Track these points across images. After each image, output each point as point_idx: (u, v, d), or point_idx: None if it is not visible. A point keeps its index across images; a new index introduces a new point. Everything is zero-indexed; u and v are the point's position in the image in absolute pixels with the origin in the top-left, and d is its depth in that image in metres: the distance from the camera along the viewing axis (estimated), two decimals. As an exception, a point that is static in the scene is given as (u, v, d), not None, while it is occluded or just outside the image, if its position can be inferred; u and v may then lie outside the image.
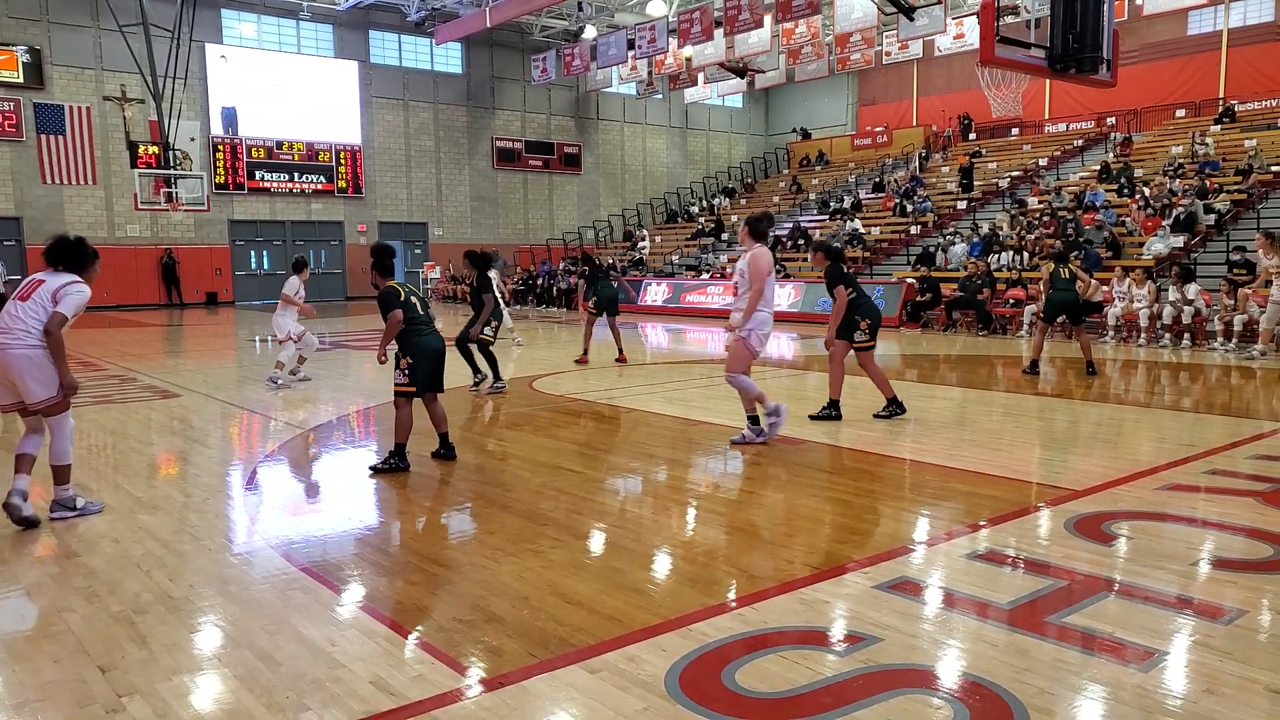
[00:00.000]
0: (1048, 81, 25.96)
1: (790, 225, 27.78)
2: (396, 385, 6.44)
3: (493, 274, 10.39)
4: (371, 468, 6.46)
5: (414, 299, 6.54)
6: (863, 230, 24.53)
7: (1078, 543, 4.70)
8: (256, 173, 29.27)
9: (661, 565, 4.60)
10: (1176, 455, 6.71)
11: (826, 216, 27.85)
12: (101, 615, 3.90)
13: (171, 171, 24.21)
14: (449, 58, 32.93)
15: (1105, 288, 15.31)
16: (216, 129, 28.52)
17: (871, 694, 3.10)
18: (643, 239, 30.98)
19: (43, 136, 25.96)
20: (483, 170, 33.94)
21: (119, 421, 8.64)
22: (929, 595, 4.07)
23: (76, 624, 3.81)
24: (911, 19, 22.68)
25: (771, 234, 7.00)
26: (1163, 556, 4.49)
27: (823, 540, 4.94)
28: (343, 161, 30.73)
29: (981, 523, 5.09)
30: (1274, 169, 19.68)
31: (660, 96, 36.09)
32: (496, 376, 10.09)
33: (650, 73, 30.51)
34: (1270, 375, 11.11)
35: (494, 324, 10.19)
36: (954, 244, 20.84)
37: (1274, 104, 24.71)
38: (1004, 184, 25.40)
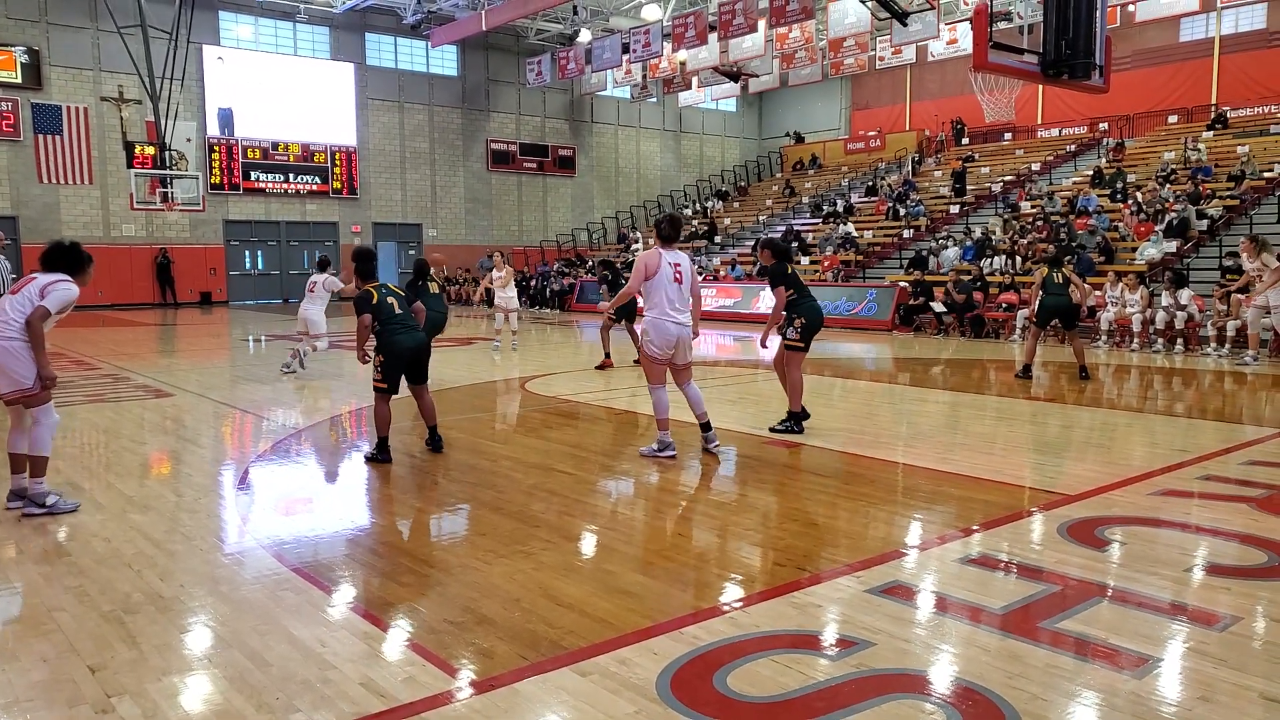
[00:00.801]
0: (1040, 87, 26.08)
1: (783, 228, 27.82)
2: (373, 381, 6.80)
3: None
4: (365, 456, 6.86)
5: (390, 299, 6.69)
6: (855, 234, 24.57)
7: (1071, 548, 4.70)
8: (252, 173, 29.21)
9: (653, 568, 4.59)
10: (1170, 460, 6.72)
11: (819, 220, 27.88)
12: (92, 615, 3.88)
13: (167, 172, 24.14)
14: (444, 60, 32.91)
15: (1097, 293, 15.36)
16: (213, 130, 28.46)
17: (863, 699, 3.09)
18: (636, 241, 30.98)
19: (40, 136, 25.88)
20: (477, 172, 33.93)
21: (112, 420, 8.60)
22: (921, 600, 4.07)
23: (67, 623, 3.78)
24: (905, 24, 22.76)
25: (677, 233, 6.72)
26: (1156, 562, 4.49)
27: (815, 544, 4.93)
28: (338, 163, 30.69)
29: (974, 527, 5.09)
30: (1266, 175, 19.76)
31: (654, 100, 36.11)
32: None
33: (644, 76, 30.55)
34: (1263, 381, 11.14)
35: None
36: (946, 248, 20.88)
37: (1266, 110, 24.82)
38: (996, 188, 25.46)
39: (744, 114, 41.08)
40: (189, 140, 26.38)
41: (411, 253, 32.51)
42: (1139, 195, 20.15)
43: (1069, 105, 29.13)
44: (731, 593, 4.17)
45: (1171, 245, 17.47)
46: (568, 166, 36.04)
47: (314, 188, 30.39)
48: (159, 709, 3.07)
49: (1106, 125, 28.22)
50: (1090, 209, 20.43)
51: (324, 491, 6.26)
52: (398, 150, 32.10)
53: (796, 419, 7.79)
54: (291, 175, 29.93)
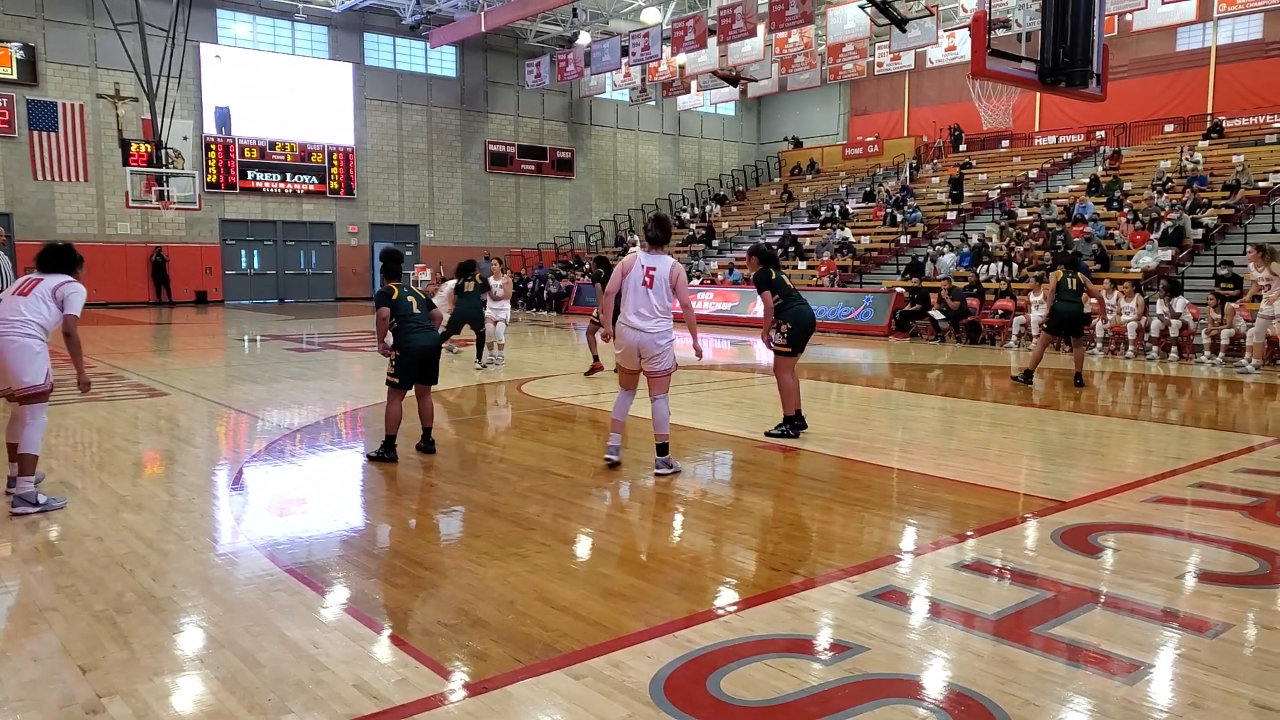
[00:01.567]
0: (1038, 95, 26.13)
1: (781, 233, 27.85)
2: (387, 376, 6.90)
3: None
4: (367, 455, 6.95)
5: (410, 299, 6.85)
6: (853, 239, 24.61)
7: (1064, 554, 4.71)
8: (249, 172, 29.18)
9: (648, 571, 4.59)
10: (1164, 468, 6.73)
11: (817, 225, 27.92)
12: (83, 614, 3.87)
13: (163, 170, 24.12)
14: (443, 61, 32.92)
15: (1093, 300, 15.39)
16: (209, 128, 28.42)
17: (857, 703, 3.10)
18: (634, 244, 30.99)
19: (35, 133, 25.82)
20: (475, 173, 33.93)
21: (105, 419, 8.58)
22: (915, 605, 4.07)
23: (58, 623, 3.77)
24: (904, 30, 22.81)
25: (665, 235, 6.47)
26: (1149, 569, 4.50)
27: (810, 548, 4.93)
28: (335, 163, 30.67)
29: (968, 533, 5.10)
30: (1261, 185, 19.83)
31: (653, 103, 36.15)
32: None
33: (644, 79, 30.58)
34: (1257, 390, 11.18)
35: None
36: (943, 254, 20.91)
37: (1261, 120, 24.91)
38: (994, 195, 25.51)
39: (742, 118, 41.13)
40: (185, 139, 26.32)
41: (408, 254, 32.48)
42: (1135, 203, 20.21)
43: (1066, 113, 29.20)
44: (726, 596, 4.17)
45: (1167, 253, 17.52)
46: (566, 169, 36.05)
47: (311, 188, 30.36)
48: (150, 709, 3.06)
49: (1103, 133, 28.31)
50: (1087, 217, 20.47)
51: (318, 492, 6.25)
52: (395, 151, 32.09)
53: (791, 423, 7.78)
54: (289, 175, 29.90)
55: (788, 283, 7.88)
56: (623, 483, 6.41)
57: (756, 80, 30.10)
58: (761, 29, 24.06)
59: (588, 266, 28.59)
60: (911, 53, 26.43)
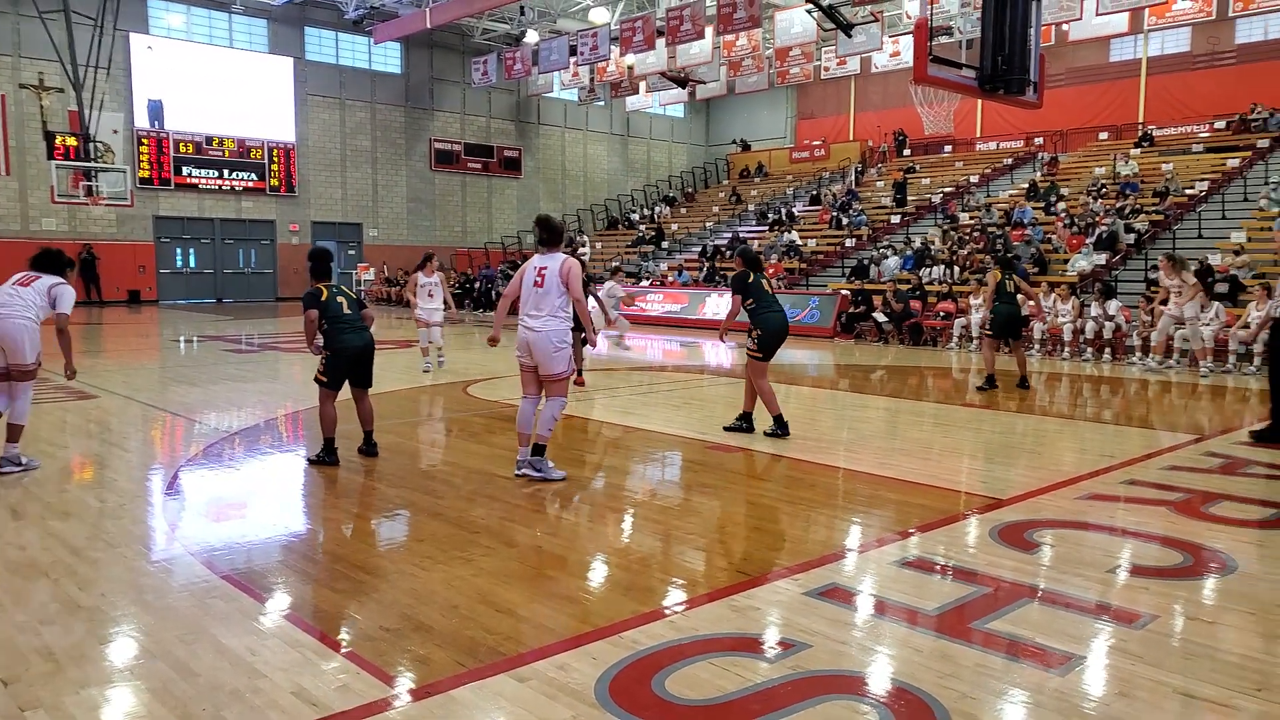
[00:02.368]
0: (979, 101, 26.67)
1: (729, 235, 28.03)
2: (316, 376, 6.81)
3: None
4: (308, 459, 6.83)
5: (340, 299, 6.74)
6: (799, 242, 24.86)
7: (1002, 550, 4.81)
8: (184, 168, 28.44)
9: (594, 573, 4.58)
10: (1097, 466, 6.92)
11: (765, 228, 28.16)
12: (4, 626, 3.73)
13: (91, 164, 23.36)
14: (387, 57, 32.49)
15: (1031, 302, 15.77)
16: (141, 122, 27.61)
17: (799, 700, 3.12)
18: (583, 245, 30.93)
19: (-47, 124, 24.86)
20: (420, 171, 33.55)
21: (30, 423, 8.28)
22: (858, 602, 4.12)
23: (-21, 634, 3.64)
24: (849, 35, 23.11)
25: (551, 236, 6.37)
26: (1082, 564, 4.62)
27: (756, 547, 4.97)
28: (275, 159, 30.06)
29: (910, 531, 5.18)
30: (1188, 192, 20.50)
31: (602, 103, 36.12)
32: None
33: (592, 79, 30.51)
34: (1183, 390, 11.54)
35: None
36: (887, 257, 21.24)
37: (1188, 130, 25.75)
38: (936, 199, 25.99)
39: (691, 120, 41.30)
40: (115, 132, 25.52)
41: (351, 253, 32.01)
42: (1071, 209, 20.75)
43: (1006, 120, 29.85)
44: (671, 597, 4.18)
45: (1101, 257, 18.01)
46: (513, 168, 35.84)
47: (250, 184, 29.71)
48: (78, 721, 2.97)
49: (1041, 140, 29.01)
50: (1025, 221, 20.96)
51: (257, 496, 6.12)
52: (338, 148, 31.58)
53: (779, 423, 7.81)
54: (226, 171, 29.21)
55: (766, 288, 7.90)
56: (568, 485, 6.38)
57: (705, 82, 30.25)
58: (709, 31, 24.18)
59: (506, 269, 28.40)
60: (857, 58, 26.79)
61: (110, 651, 3.54)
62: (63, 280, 6.60)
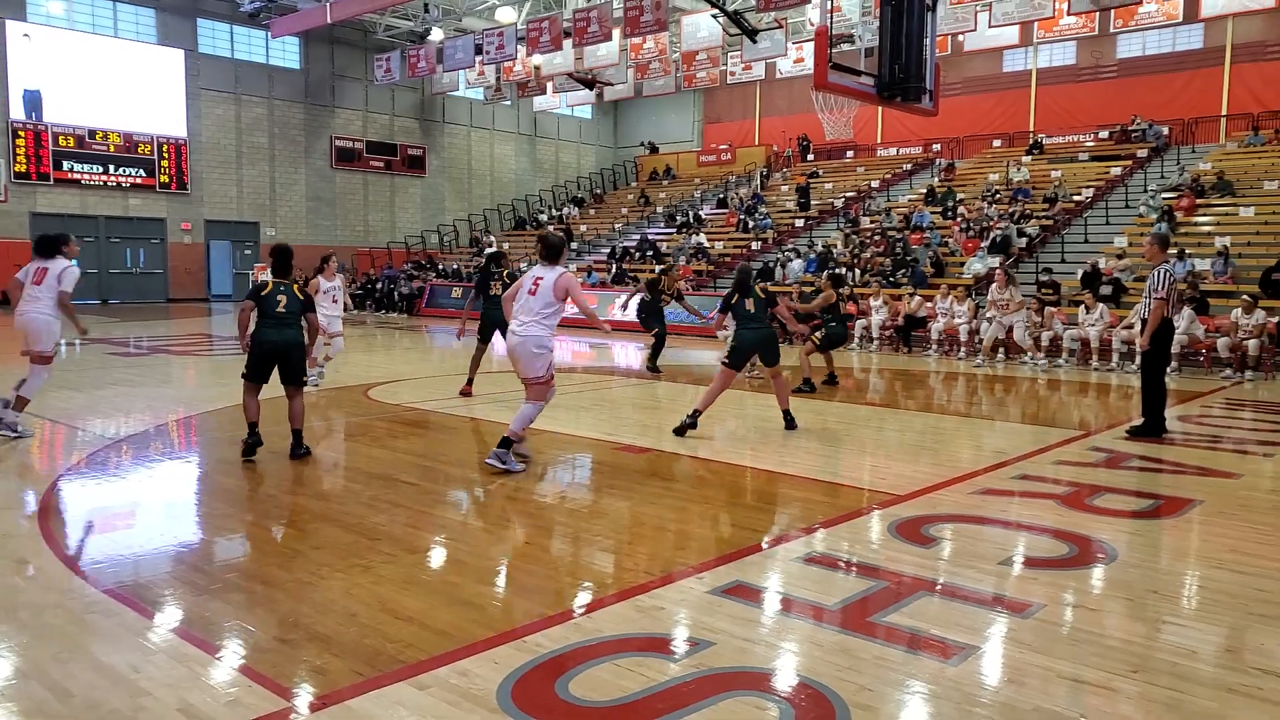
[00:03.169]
0: (879, 108, 27.43)
1: (638, 237, 28.13)
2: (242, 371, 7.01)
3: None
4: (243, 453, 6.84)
5: (280, 297, 6.86)
6: (707, 244, 25.12)
7: (900, 545, 4.94)
8: (64, 163, 26.97)
9: (498, 578, 4.52)
10: (991, 461, 7.17)
11: (674, 230, 28.36)
12: None
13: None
14: (286, 52, 31.51)
15: (928, 304, 16.29)
16: (17, 113, 26.11)
17: (703, 698, 3.14)
18: (490, 245, 30.61)
19: None
20: (320, 170, 32.64)
21: (-107, 432, 7.74)
22: (761, 598, 4.17)
23: None
24: (754, 41, 23.45)
25: (551, 253, 6.78)
26: (976, 556, 4.78)
27: (662, 547, 4.98)
28: (165, 155, 28.79)
29: (812, 527, 5.27)
30: (1075, 199, 21.51)
31: (509, 103, 35.77)
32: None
33: (498, 78, 30.20)
34: (1071, 387, 12.08)
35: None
36: (791, 260, 21.64)
37: (1075, 139, 27.03)
38: (839, 204, 26.60)
39: (599, 121, 41.29)
40: (-11, 124, 24.11)
41: (248, 253, 30.94)
42: (964, 211, 21.53)
43: (906, 126, 30.77)
44: (576, 599, 4.15)
45: (995, 260, 18.72)
46: (418, 166, 35.20)
47: (138, 181, 28.39)
48: (-61, 749, 2.77)
49: (939, 146, 30.01)
50: (924, 225, 21.64)
51: (145, 506, 5.84)
52: (233, 144, 30.47)
53: (693, 416, 8.05)
54: (112, 166, 27.83)
55: (745, 307, 8.34)
56: (475, 489, 6.30)
57: (612, 84, 30.29)
58: (617, 33, 24.22)
59: (439, 267, 27.99)
60: (762, 63, 27.24)
61: (-23, 674, 3.32)
62: (67, 263, 7.70)
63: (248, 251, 30.96)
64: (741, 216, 26.87)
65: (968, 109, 29.55)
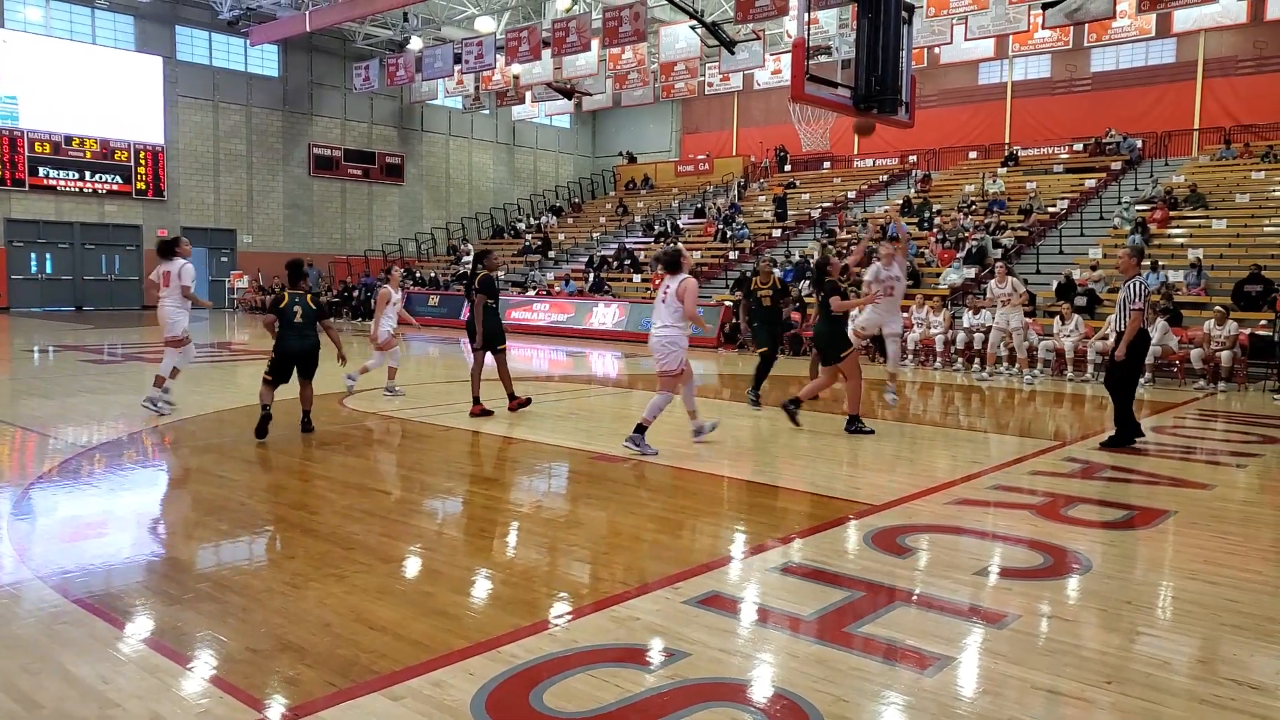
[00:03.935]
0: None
1: (616, 246, 28.16)
2: (264, 375, 8.01)
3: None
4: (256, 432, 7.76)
5: (297, 307, 7.89)
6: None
7: (876, 555, 4.95)
8: (40, 168, 26.71)
9: (473, 588, 4.49)
10: (966, 471, 7.21)
11: (651, 239, 28.42)
12: None
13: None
14: (264, 60, 31.36)
15: (905, 314, 16.39)
16: (-7, 118, 25.85)
17: (678, 709, 3.13)
18: (468, 253, 30.52)
19: None
20: (298, 177, 32.46)
21: None
22: (736, 609, 4.17)
23: None
24: (732, 52, 23.60)
25: (672, 263, 7.88)
26: (951, 567, 4.80)
27: (637, 557, 4.97)
28: (143, 161, 28.55)
29: (789, 537, 5.28)
30: (1050, 210, 21.74)
31: (487, 112, 35.73)
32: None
33: (477, 88, 30.17)
34: (1046, 398, 12.19)
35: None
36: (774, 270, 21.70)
37: (1050, 151, 27.36)
38: (816, 214, 26.75)
39: (578, 131, 41.34)
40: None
41: (224, 260, 30.68)
42: (943, 224, 21.70)
43: (882, 138, 30.95)
44: (552, 609, 4.13)
45: (971, 271, 18.88)
46: (396, 174, 35.08)
47: (115, 187, 28.14)
48: (-101, 765, 2.72)
49: (915, 158, 30.27)
50: (894, 236, 21.78)
51: (117, 515, 5.76)
52: (211, 151, 30.25)
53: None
54: (88, 173, 27.58)
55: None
56: (451, 499, 6.26)
57: (591, 94, 30.34)
58: (595, 43, 24.28)
59: (416, 275, 27.81)
60: (740, 74, 27.37)
61: (-60, 688, 3.26)
62: (185, 261, 9.18)
63: (224, 259, 30.71)
64: (719, 226, 26.96)
65: (944, 121, 29.85)
